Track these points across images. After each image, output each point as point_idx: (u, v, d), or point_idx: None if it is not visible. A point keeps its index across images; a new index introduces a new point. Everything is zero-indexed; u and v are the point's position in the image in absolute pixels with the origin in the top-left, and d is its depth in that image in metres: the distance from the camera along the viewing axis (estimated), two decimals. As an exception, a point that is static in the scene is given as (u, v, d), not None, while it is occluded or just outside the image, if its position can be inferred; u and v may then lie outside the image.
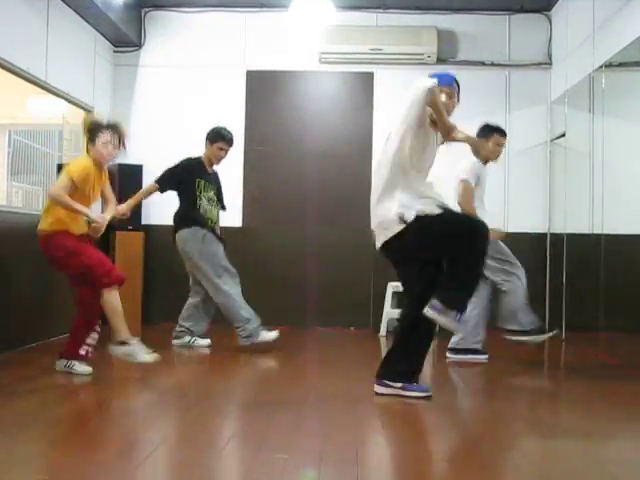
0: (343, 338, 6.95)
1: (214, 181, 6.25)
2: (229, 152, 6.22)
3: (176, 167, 6.14)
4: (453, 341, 5.70)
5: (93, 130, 4.56)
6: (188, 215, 6.05)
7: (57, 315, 5.97)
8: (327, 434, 3.37)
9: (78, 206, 4.39)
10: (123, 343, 4.36)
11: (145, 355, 4.36)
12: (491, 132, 5.70)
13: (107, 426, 3.58)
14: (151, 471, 2.80)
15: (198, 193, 6.07)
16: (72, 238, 4.45)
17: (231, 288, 6.04)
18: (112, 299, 4.40)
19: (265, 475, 2.76)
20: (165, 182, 6.14)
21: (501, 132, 5.75)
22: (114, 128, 4.59)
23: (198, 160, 6.19)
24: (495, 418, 3.86)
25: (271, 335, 5.95)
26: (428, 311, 3.86)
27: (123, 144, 4.66)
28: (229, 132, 6.22)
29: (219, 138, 6.15)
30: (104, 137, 4.52)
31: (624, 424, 3.81)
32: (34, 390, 4.14)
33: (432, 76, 4.07)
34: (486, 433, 3.57)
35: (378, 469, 2.88)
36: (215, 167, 6.26)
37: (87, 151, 4.63)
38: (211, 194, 6.16)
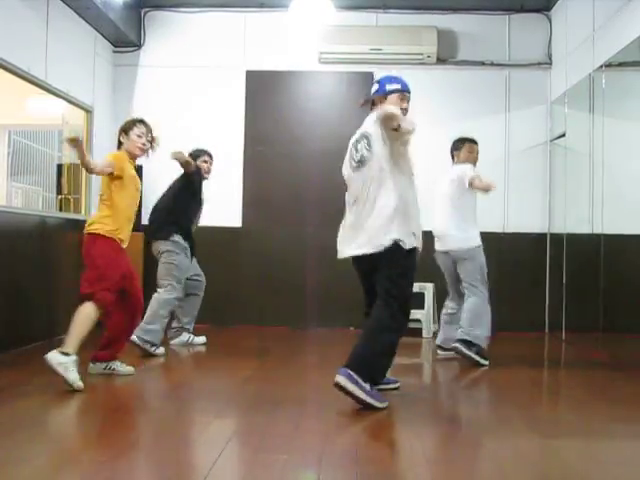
0: (343, 338, 6.93)
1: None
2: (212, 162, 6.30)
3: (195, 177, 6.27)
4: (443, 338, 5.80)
5: (128, 124, 4.73)
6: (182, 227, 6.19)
7: (58, 315, 5.96)
8: (327, 434, 3.37)
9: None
10: (65, 354, 4.22)
11: (76, 376, 4.18)
12: (462, 143, 5.98)
13: (107, 426, 3.58)
14: (151, 471, 2.80)
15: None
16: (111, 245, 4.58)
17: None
18: (90, 313, 4.35)
19: (265, 475, 2.76)
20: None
21: (472, 140, 6.01)
22: (147, 124, 4.78)
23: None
24: (495, 418, 3.86)
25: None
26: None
27: (153, 143, 4.82)
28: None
29: (202, 153, 6.29)
30: (138, 129, 4.69)
31: (624, 424, 3.80)
32: (34, 390, 4.14)
33: (392, 81, 4.28)
34: (486, 433, 3.57)
35: (377, 469, 2.88)
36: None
37: (118, 148, 4.74)
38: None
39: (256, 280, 7.64)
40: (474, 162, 5.89)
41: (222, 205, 7.27)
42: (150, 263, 7.49)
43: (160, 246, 5.92)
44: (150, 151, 4.83)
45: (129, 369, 4.73)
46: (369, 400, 3.83)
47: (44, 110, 7.19)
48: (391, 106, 4.02)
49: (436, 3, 7.68)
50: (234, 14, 7.90)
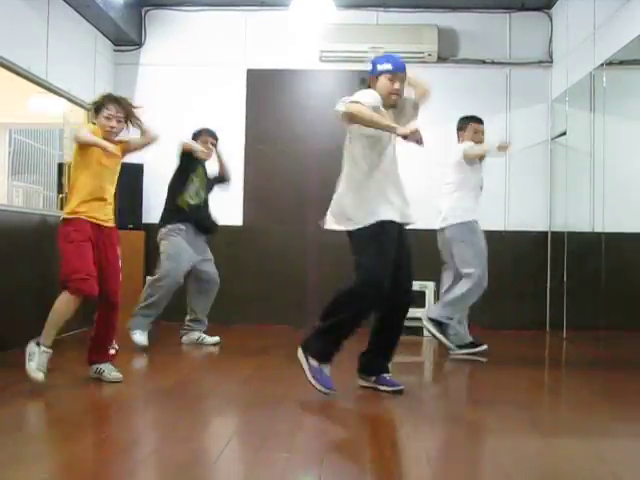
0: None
1: (207, 178, 6.31)
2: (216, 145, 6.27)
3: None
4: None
5: (98, 103, 4.44)
6: None
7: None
8: (328, 433, 3.37)
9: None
10: (38, 344, 4.20)
11: (37, 369, 4.12)
12: (467, 122, 5.93)
13: (108, 425, 3.59)
14: (151, 470, 2.80)
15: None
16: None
17: None
18: (65, 303, 4.23)
19: (266, 474, 2.76)
20: None
21: (477, 119, 5.94)
22: (120, 103, 4.44)
23: None
24: (496, 416, 3.85)
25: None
26: None
27: (132, 121, 4.53)
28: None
29: (202, 132, 6.29)
30: (108, 111, 4.38)
31: (626, 423, 3.80)
32: (35, 389, 4.14)
33: (384, 61, 4.26)
34: (487, 432, 3.57)
35: (379, 468, 2.88)
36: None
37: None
38: (205, 193, 6.29)
39: (257, 278, 7.64)
40: (480, 143, 5.85)
41: (223, 203, 7.27)
42: (151, 262, 7.50)
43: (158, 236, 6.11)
44: (127, 129, 4.57)
45: (116, 376, 4.41)
46: (310, 379, 4.01)
47: (45, 109, 7.19)
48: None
49: (437, 1, 7.67)
50: (235, 13, 7.90)
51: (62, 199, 7.11)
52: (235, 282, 7.53)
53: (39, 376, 4.11)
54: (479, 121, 5.92)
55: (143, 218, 7.59)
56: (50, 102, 6.89)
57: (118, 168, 4.54)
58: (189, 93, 7.83)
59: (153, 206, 7.35)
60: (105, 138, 4.35)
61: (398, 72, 4.22)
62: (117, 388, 4.33)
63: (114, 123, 4.41)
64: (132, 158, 7.13)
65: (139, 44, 7.92)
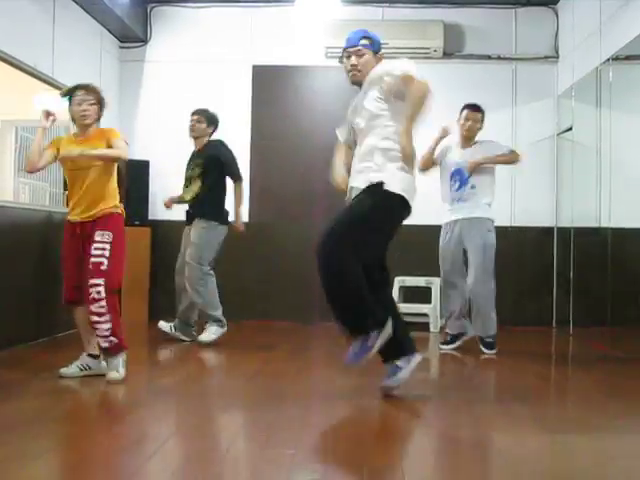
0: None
1: (197, 157, 6.22)
2: (197, 122, 6.17)
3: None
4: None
5: (68, 93, 4.55)
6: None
7: (64, 311, 5.97)
8: (334, 429, 3.38)
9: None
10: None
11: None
12: (462, 109, 5.89)
13: (114, 422, 3.59)
14: (158, 467, 2.81)
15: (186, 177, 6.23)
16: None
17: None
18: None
19: (272, 470, 2.77)
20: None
21: (469, 106, 5.87)
22: (87, 88, 4.55)
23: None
24: (502, 413, 3.85)
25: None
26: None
27: (101, 104, 4.57)
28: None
29: None
30: (78, 97, 4.48)
31: (633, 419, 3.80)
32: (41, 387, 4.16)
33: (366, 35, 4.07)
34: (493, 428, 3.57)
35: (385, 464, 2.88)
36: (197, 141, 6.24)
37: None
38: (190, 172, 6.20)
39: (263, 274, 7.65)
40: (461, 132, 5.83)
41: (228, 199, 7.26)
42: (157, 260, 7.52)
43: None
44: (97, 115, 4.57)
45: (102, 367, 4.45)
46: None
47: (51, 106, 7.18)
48: None
49: (442, -3, 7.67)
50: (240, 9, 7.90)
51: (68, 196, 7.12)
52: (241, 278, 7.54)
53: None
54: (473, 108, 5.83)
55: (149, 215, 7.61)
56: (56, 99, 6.88)
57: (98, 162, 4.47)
58: (195, 89, 7.83)
59: (159, 203, 7.37)
60: (81, 124, 4.49)
61: (348, 47, 4.09)
62: (123, 385, 4.34)
63: (85, 106, 4.47)
64: (138, 155, 7.18)
65: (145, 41, 7.92)
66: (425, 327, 7.06)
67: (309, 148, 7.79)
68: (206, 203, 6.07)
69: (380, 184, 3.88)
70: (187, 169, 6.19)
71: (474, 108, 5.83)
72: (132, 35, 7.71)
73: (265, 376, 4.76)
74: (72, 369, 4.40)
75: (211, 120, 6.20)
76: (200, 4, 7.90)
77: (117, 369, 4.33)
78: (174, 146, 7.66)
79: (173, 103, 7.77)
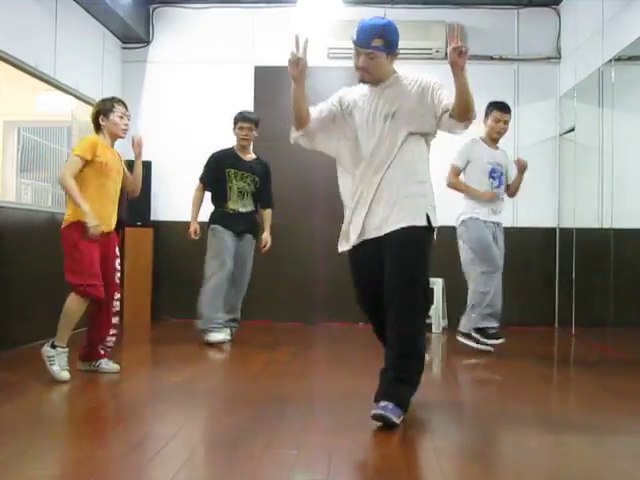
0: (352, 333, 6.95)
1: (251, 170, 6.09)
2: (253, 130, 6.09)
3: (208, 160, 6.10)
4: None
5: (106, 104, 4.59)
6: (214, 213, 6.06)
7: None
8: (337, 430, 3.37)
9: (77, 194, 4.32)
10: (54, 346, 4.29)
11: (61, 370, 4.25)
12: (491, 109, 5.80)
13: (117, 422, 3.59)
14: (161, 466, 2.81)
15: (229, 184, 6.00)
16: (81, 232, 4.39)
17: (215, 281, 5.99)
18: (74, 305, 4.36)
19: (275, 471, 2.77)
20: (205, 178, 6.10)
21: (500, 107, 5.79)
22: (124, 103, 4.67)
23: (229, 150, 6.13)
24: (504, 413, 3.85)
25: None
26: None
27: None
28: (249, 112, 6.22)
29: (237, 119, 6.09)
30: (119, 110, 4.58)
31: (635, 419, 3.80)
32: (43, 387, 4.16)
33: (379, 34, 3.79)
34: (496, 429, 3.56)
35: (388, 465, 2.88)
36: (253, 156, 6.18)
37: (96, 131, 4.62)
38: (243, 184, 6.05)
39: (265, 275, 7.63)
40: (491, 134, 5.78)
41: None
42: (161, 260, 7.52)
43: None
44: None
45: (114, 367, 4.57)
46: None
47: (53, 106, 7.20)
48: None
49: (444, -3, 7.66)
50: (242, 10, 7.90)
51: (91, 204, 7.13)
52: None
53: (65, 375, 4.25)
54: (504, 110, 5.76)
55: (152, 215, 7.61)
56: (58, 99, 6.89)
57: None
58: (197, 90, 7.84)
59: (161, 203, 7.37)
60: (115, 137, 4.62)
61: (356, 45, 3.70)
62: (127, 384, 4.35)
63: (127, 121, 4.63)
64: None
65: (147, 41, 7.93)
66: (428, 328, 7.05)
67: (311, 149, 7.76)
68: (256, 222, 6.13)
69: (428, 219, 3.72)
70: (236, 176, 6.01)
71: (505, 109, 5.77)
72: (134, 36, 7.71)
73: (268, 376, 4.76)
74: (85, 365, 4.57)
75: (258, 125, 6.14)
76: (202, 5, 7.90)
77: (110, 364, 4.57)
78: (176, 147, 7.68)
79: (175, 104, 7.78)
